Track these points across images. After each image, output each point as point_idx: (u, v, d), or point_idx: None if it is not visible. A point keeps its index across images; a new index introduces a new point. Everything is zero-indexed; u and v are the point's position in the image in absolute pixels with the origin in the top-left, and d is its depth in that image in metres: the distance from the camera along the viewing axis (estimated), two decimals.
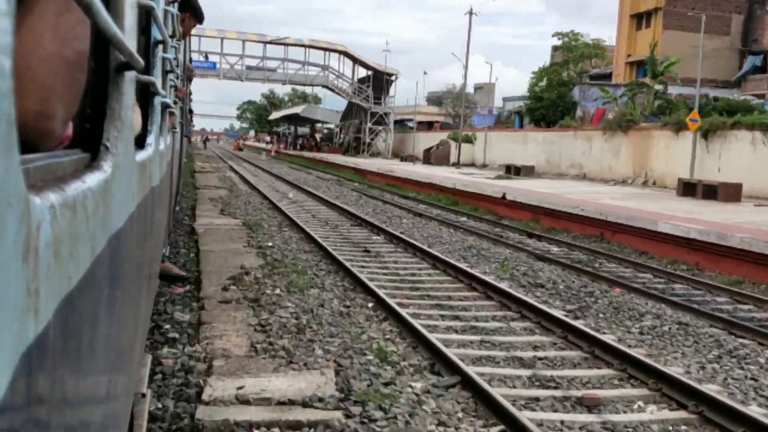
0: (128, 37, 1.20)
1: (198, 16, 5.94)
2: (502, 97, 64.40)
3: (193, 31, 7.99)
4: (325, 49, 50.55)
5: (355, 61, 51.76)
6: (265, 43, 49.00)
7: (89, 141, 1.10)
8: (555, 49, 48.71)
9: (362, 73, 53.40)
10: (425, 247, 10.46)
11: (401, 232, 12.33)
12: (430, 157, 40.01)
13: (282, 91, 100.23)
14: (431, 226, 14.11)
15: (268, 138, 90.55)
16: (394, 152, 50.74)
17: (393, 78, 52.58)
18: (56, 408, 0.69)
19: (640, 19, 45.99)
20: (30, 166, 0.69)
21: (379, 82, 50.65)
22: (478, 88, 68.13)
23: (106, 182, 0.96)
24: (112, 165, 1.04)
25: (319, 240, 10.64)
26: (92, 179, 0.87)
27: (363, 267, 9.05)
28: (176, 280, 7.71)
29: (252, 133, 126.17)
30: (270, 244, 10.28)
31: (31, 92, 0.83)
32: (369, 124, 51.55)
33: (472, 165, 39.22)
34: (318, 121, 68.28)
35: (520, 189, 18.96)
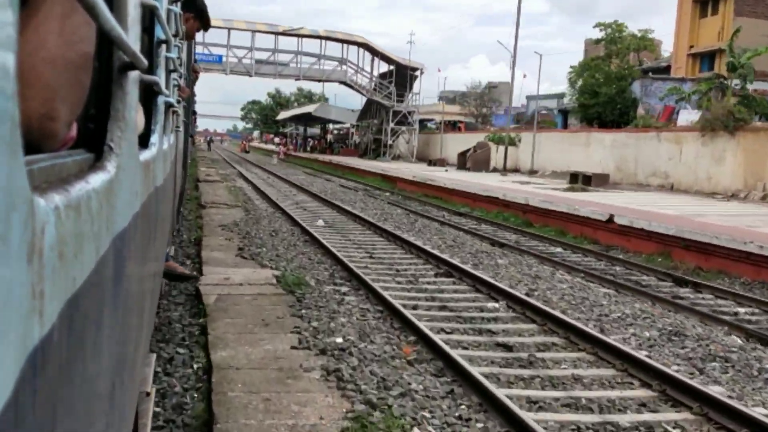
0: (131, 37, 1.20)
1: (204, 21, 5.90)
2: (526, 96, 60.86)
3: None
4: (342, 41, 44.89)
5: (376, 54, 45.95)
6: (277, 34, 43.33)
7: (93, 141, 1.10)
8: (596, 42, 42.77)
9: (383, 68, 47.99)
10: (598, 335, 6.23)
11: (526, 293, 8.04)
12: (466, 161, 35.09)
13: (288, 90, 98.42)
14: (533, 265, 10.54)
15: (276, 139, 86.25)
16: (418, 155, 46.34)
17: (417, 73, 47.04)
18: (61, 408, 0.69)
19: (705, 5, 40.21)
20: (34, 167, 0.69)
21: (402, 77, 45.49)
22: (493, 87, 64.09)
23: (110, 183, 0.96)
24: (116, 165, 1.04)
25: (432, 336, 5.91)
26: (96, 180, 0.87)
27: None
28: (181, 280, 7.72)
29: (256, 133, 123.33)
30: (339, 340, 5.91)
31: (35, 93, 0.83)
32: (391, 124, 46.01)
33: (516, 171, 34.59)
34: (332, 121, 63.03)
35: (619, 207, 15.01)
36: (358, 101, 54.72)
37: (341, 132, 68.89)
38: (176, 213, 7.00)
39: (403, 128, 46.92)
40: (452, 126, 52.89)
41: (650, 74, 40.32)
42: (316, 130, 74.56)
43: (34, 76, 0.83)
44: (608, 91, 35.70)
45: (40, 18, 0.86)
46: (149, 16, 2.11)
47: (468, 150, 36.08)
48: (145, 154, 1.72)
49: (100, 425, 1.00)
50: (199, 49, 34.80)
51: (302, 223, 13.26)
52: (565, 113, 41.62)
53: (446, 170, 33.77)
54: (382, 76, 47.03)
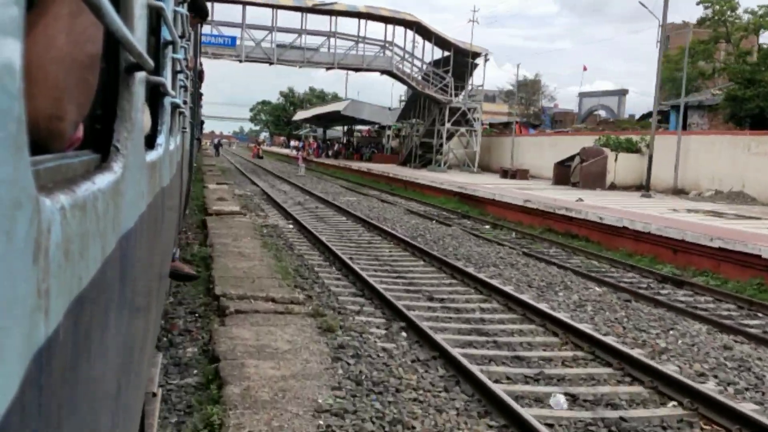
0: (138, 38, 1.21)
1: (199, 11, 5.90)
2: (578, 93, 54.90)
3: None
4: (387, 20, 34.78)
5: (428, 36, 35.88)
6: (304, 10, 33.42)
7: (100, 142, 1.10)
8: (702, 22, 33.56)
9: (435, 54, 37.96)
10: None
11: None
12: (568, 174, 26.15)
13: (300, 89, 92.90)
14: None
15: (294, 142, 73.48)
16: (480, 163, 36.92)
17: (480, 60, 36.80)
18: (67, 408, 0.69)
19: None
20: (40, 167, 0.70)
21: (460, 66, 35.66)
22: (522, 84, 56.31)
23: (116, 183, 0.96)
24: (123, 166, 1.04)
25: None
26: (102, 180, 0.87)
27: None
28: (187, 279, 7.73)
29: (263, 135, 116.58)
30: None
31: (43, 93, 0.83)
32: (448, 124, 35.69)
33: (640, 188, 23.93)
34: (365, 122, 51.71)
35: None
36: (384, 99, 47.65)
37: (370, 134, 59.09)
38: (182, 214, 7.02)
39: (462, 129, 36.72)
40: (503, 126, 45.25)
41: None
42: (335, 133, 66.27)
43: (41, 76, 0.84)
44: None
45: (48, 18, 0.86)
46: (156, 17, 2.12)
47: (568, 159, 26.60)
48: (152, 155, 1.73)
49: (106, 425, 1.01)
50: (206, 29, 28.68)
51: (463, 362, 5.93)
52: (684, 109, 25.80)
53: (532, 184, 26.11)
54: (434, 64, 37.34)
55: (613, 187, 25.36)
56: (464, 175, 32.46)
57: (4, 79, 0.46)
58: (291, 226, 14.68)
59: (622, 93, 51.75)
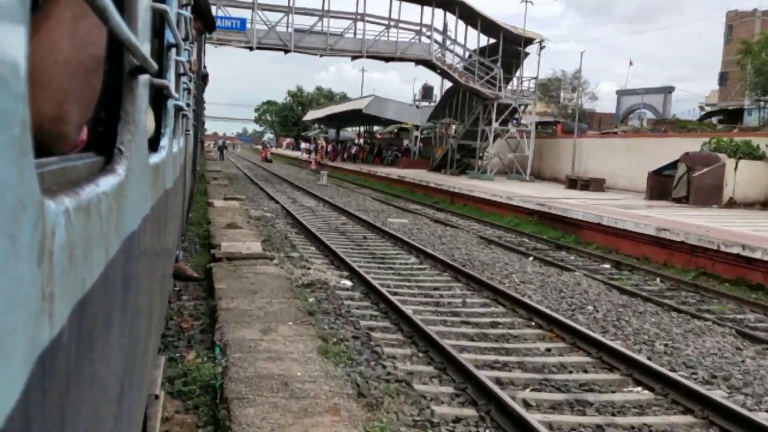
0: (142, 41, 1.21)
1: (206, 21, 5.91)
2: (616, 91, 49.91)
3: None
4: (424, 0, 28.97)
5: (473, 19, 29.61)
6: None
7: (103, 144, 1.11)
8: None
9: (471, 41, 32.16)
10: None
11: None
12: (668, 185, 20.33)
13: (307, 87, 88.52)
14: None
15: (305, 144, 67.65)
16: (533, 170, 30.61)
17: (534, 48, 30.65)
18: (70, 410, 0.69)
19: None
20: (45, 170, 0.70)
21: (508, 55, 30.09)
22: (554, 80, 53.04)
23: (120, 185, 0.96)
24: (126, 168, 1.04)
25: None
26: (106, 183, 0.87)
27: None
28: (189, 281, 7.77)
29: (267, 136, 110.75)
30: None
31: (47, 96, 0.84)
32: (496, 124, 29.96)
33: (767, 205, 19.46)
34: (390, 122, 45.38)
35: None
36: (398, 96, 40.89)
37: (391, 135, 52.96)
38: (185, 216, 7.04)
39: (512, 129, 30.85)
40: (543, 126, 38.77)
41: None
42: (347, 134, 61.53)
43: (45, 78, 0.84)
44: None
45: (52, 21, 0.87)
46: (159, 20, 2.13)
47: (667, 167, 20.71)
48: (155, 158, 1.73)
49: (109, 427, 1.01)
50: (212, 10, 24.30)
51: None
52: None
53: (622, 201, 19.90)
54: (478, 52, 31.12)
55: (731, 203, 19.34)
56: (516, 184, 26.73)
57: (9, 82, 0.46)
58: (348, 283, 8.77)
59: (667, 90, 46.11)
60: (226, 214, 13.01)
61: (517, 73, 31.69)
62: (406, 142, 47.07)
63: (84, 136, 1.02)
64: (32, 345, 0.52)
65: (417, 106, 43.07)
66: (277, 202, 19.44)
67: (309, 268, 9.52)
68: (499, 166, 31.01)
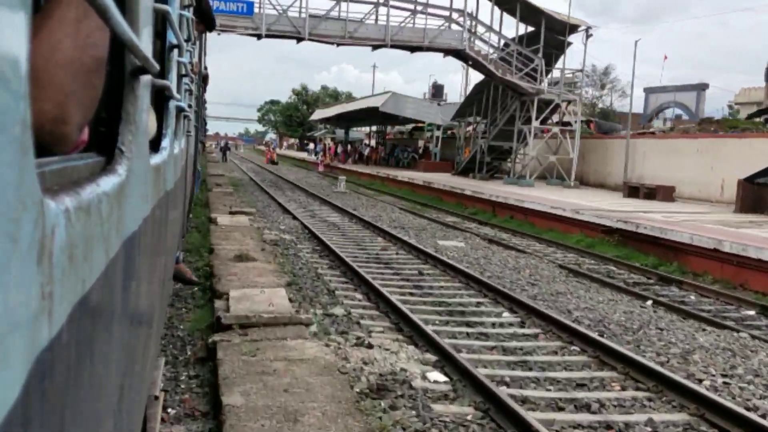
0: (143, 42, 1.21)
1: (206, 21, 5.93)
2: (643, 88, 45.97)
3: None
4: None
5: (510, 6, 26.59)
6: None
7: (104, 145, 1.11)
8: None
9: (507, 28, 29.05)
10: None
11: None
12: (765, 196, 16.94)
13: (312, 87, 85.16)
14: None
15: (311, 145, 65.21)
16: (578, 175, 27.05)
17: (579, 37, 27.36)
18: (69, 411, 0.69)
19: None
20: (45, 170, 0.70)
21: (549, 45, 26.57)
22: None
23: (120, 186, 0.96)
24: (127, 169, 1.04)
25: None
26: (107, 183, 0.87)
27: None
28: (189, 284, 7.77)
29: (269, 137, 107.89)
30: None
31: (48, 96, 0.84)
32: (536, 122, 26.45)
33: None
34: (409, 121, 41.54)
35: None
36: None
37: (400, 135, 50.50)
38: (186, 217, 7.04)
39: (555, 129, 27.32)
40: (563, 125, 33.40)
41: None
42: (358, 135, 58.77)
43: (47, 79, 0.84)
44: None
45: (54, 22, 0.87)
46: (161, 20, 2.13)
47: (760, 174, 17.20)
48: (156, 158, 1.73)
49: (108, 428, 1.00)
50: None
51: None
52: None
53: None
54: (516, 41, 27.66)
55: None
56: (560, 191, 23.63)
57: (10, 82, 0.46)
58: (441, 377, 5.51)
59: (701, 88, 42.45)
60: (234, 236, 10.34)
61: (557, 65, 28.29)
62: (420, 142, 44.37)
63: (85, 137, 1.02)
64: (31, 345, 0.52)
65: (438, 104, 39.24)
66: (294, 217, 15.97)
67: (368, 344, 6.14)
68: (535, 169, 27.48)
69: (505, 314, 7.77)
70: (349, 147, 51.69)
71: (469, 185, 23.88)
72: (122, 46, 1.05)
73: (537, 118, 26.42)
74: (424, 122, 40.48)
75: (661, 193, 20.77)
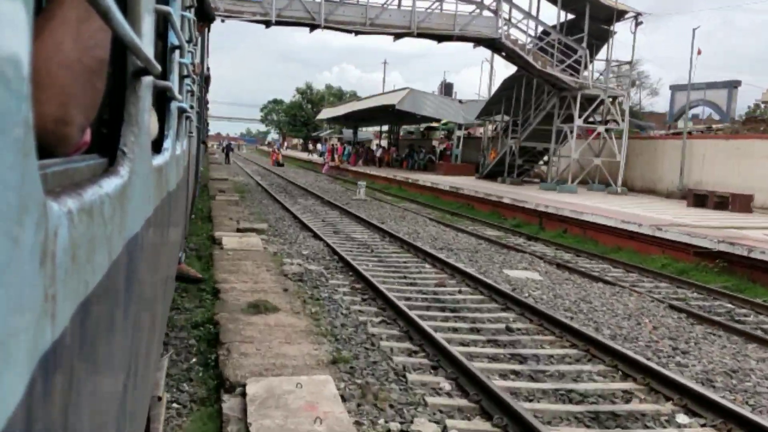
0: (145, 43, 1.21)
1: (207, 17, 5.93)
2: (669, 86, 43.33)
3: None
4: None
5: None
6: None
7: (106, 146, 1.11)
8: None
9: (545, 14, 25.38)
10: None
11: None
12: None
13: (317, 87, 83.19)
14: None
15: (320, 146, 61.84)
16: (627, 181, 24.24)
17: (628, 23, 24.16)
18: (73, 411, 0.69)
19: None
20: (48, 171, 0.70)
21: (590, 34, 23.66)
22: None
23: (123, 187, 0.96)
24: (129, 170, 1.04)
25: None
26: (109, 184, 0.87)
27: None
28: (192, 282, 7.77)
29: (270, 137, 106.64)
30: None
31: (51, 98, 0.84)
32: (579, 121, 23.42)
33: None
34: (428, 119, 38.48)
35: None
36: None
37: (411, 136, 47.79)
38: (188, 218, 7.05)
39: (600, 128, 24.02)
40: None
41: None
42: (366, 135, 56.14)
43: (49, 80, 0.84)
44: None
45: (56, 23, 0.87)
46: (163, 21, 2.13)
47: None
48: (158, 159, 1.73)
49: (111, 429, 1.00)
50: None
51: None
52: None
53: None
54: (558, 30, 24.70)
55: None
56: (610, 198, 20.83)
57: (12, 83, 0.46)
58: None
59: (732, 85, 40.12)
60: (245, 267, 8.35)
61: (598, 57, 25.11)
62: (434, 143, 41.91)
63: (87, 138, 1.02)
64: (34, 346, 0.52)
65: (460, 101, 36.08)
66: (315, 235, 12.75)
67: None
68: (577, 174, 24.41)
69: (681, 417, 4.94)
70: (361, 148, 48.28)
71: (502, 191, 21.28)
72: (124, 47, 1.05)
73: (580, 116, 23.49)
74: (438, 121, 38.43)
75: (737, 202, 17.62)
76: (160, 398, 3.06)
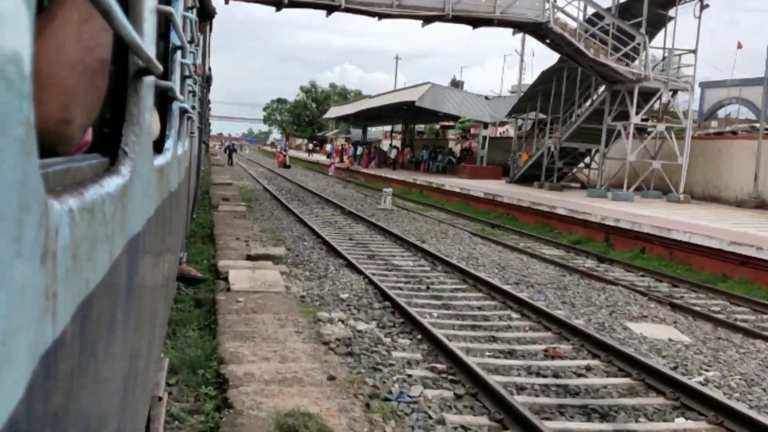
0: (147, 43, 1.21)
1: (207, 15, 5.93)
2: (699, 83, 36.94)
3: None
4: None
5: None
6: None
7: (108, 145, 1.11)
8: None
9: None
10: None
11: None
12: None
13: (323, 84, 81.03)
14: None
15: (328, 147, 55.87)
16: (691, 189, 21.23)
17: (691, 5, 20.88)
18: (73, 410, 0.69)
19: None
20: (49, 171, 0.70)
21: (649, 19, 20.57)
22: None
23: (124, 187, 0.96)
24: (131, 170, 1.04)
25: None
26: (111, 184, 0.87)
27: None
28: (194, 282, 7.77)
29: (274, 137, 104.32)
30: None
31: (53, 98, 0.84)
32: (636, 118, 20.35)
33: None
34: (450, 117, 34.99)
35: None
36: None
37: (422, 135, 44.92)
38: (189, 218, 7.05)
39: (661, 127, 21.05)
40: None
41: None
42: (374, 135, 52.96)
43: (51, 80, 0.84)
44: None
45: (58, 23, 0.87)
46: (165, 22, 2.13)
47: None
48: (160, 159, 1.73)
49: (112, 428, 1.01)
50: None
51: None
52: None
53: None
54: (613, 13, 21.47)
55: None
56: (674, 208, 17.96)
57: (14, 82, 0.46)
58: None
59: None
60: (263, 328, 5.64)
61: (652, 45, 21.85)
62: (451, 143, 38.73)
63: (89, 138, 1.02)
64: (35, 345, 0.52)
65: (486, 97, 32.24)
66: (349, 264, 9.96)
67: None
68: (632, 179, 21.23)
69: None
70: (373, 149, 44.42)
71: (547, 198, 18.57)
72: (126, 47, 1.05)
73: (637, 113, 20.33)
74: (455, 120, 34.92)
75: None
76: (160, 398, 3.07)
